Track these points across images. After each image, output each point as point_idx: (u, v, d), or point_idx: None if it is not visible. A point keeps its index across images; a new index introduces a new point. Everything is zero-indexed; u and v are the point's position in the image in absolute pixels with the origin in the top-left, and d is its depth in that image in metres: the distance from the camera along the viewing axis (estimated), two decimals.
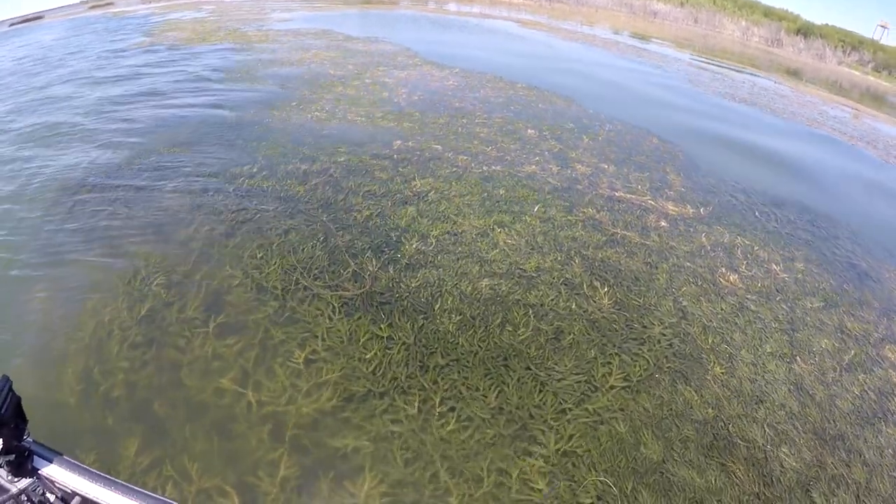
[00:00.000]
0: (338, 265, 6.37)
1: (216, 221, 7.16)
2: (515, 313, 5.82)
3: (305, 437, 4.31)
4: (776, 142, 15.44)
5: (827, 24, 58.11)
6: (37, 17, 40.34)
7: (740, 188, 10.51)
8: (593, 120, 13.61)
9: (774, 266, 7.78)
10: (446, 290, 6.08)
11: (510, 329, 5.58)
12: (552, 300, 6.12)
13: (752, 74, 31.14)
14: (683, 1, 63.76)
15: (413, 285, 6.12)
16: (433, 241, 7.05)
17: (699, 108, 17.90)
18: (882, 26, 61.20)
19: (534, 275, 6.55)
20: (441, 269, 6.44)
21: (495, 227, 7.58)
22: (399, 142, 10.29)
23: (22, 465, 1.75)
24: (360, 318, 5.54)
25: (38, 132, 10.76)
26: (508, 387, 4.90)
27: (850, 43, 54.38)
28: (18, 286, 5.87)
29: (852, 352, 6.32)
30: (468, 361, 5.12)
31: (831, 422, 5.21)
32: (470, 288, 6.14)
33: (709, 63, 31.93)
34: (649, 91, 19.22)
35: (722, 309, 6.55)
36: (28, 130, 10.93)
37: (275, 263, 6.28)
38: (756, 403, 5.24)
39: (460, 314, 5.72)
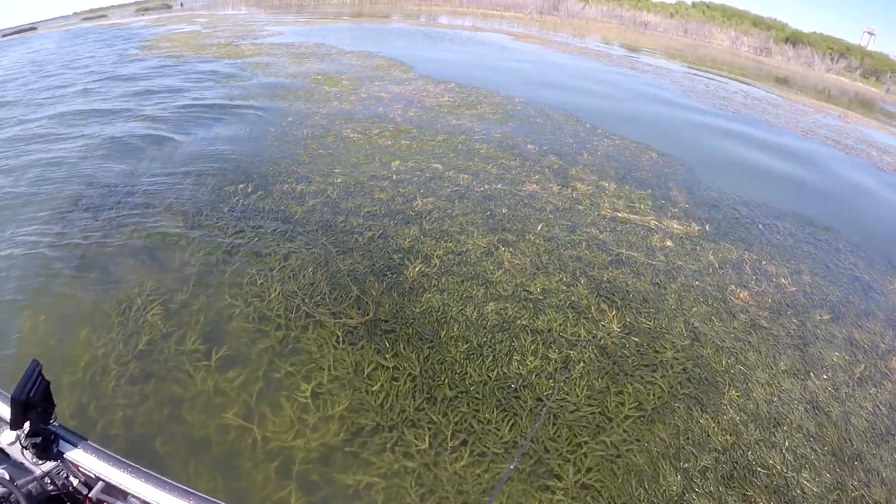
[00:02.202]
0: (340, 290, 6.19)
1: (212, 245, 6.95)
2: (523, 340, 5.66)
3: (314, 472, 4.13)
4: (772, 152, 15.51)
5: (815, 32, 58.86)
6: (30, 29, 40.21)
7: (742, 201, 10.48)
8: (591, 134, 13.57)
9: (783, 280, 7.71)
10: (451, 315, 5.91)
11: (519, 358, 5.41)
12: (560, 325, 5.96)
13: (744, 84, 31.38)
14: (673, 12, 64.45)
15: (417, 311, 5.95)
16: (437, 261, 6.91)
17: (696, 121, 17.97)
18: (869, 32, 62.03)
19: (540, 297, 6.40)
20: (445, 293, 6.27)
21: (499, 245, 7.45)
22: (398, 161, 10.16)
23: (47, 447, 1.78)
24: (364, 346, 5.37)
25: (25, 150, 10.57)
26: (521, 419, 4.73)
27: (837, 50, 55.07)
28: (5, 315, 5.62)
29: (862, 365, 6.26)
30: (478, 393, 4.93)
31: (848, 441, 5.11)
32: (476, 313, 5.98)
33: (701, 74, 32.15)
34: (645, 104, 19.29)
35: (734, 328, 6.44)
36: (15, 149, 10.74)
37: (275, 290, 6.09)
38: (774, 427, 5.11)
39: (467, 342, 5.54)
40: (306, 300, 5.96)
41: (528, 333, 5.77)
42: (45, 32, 37.18)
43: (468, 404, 4.81)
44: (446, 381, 5.04)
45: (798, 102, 28.56)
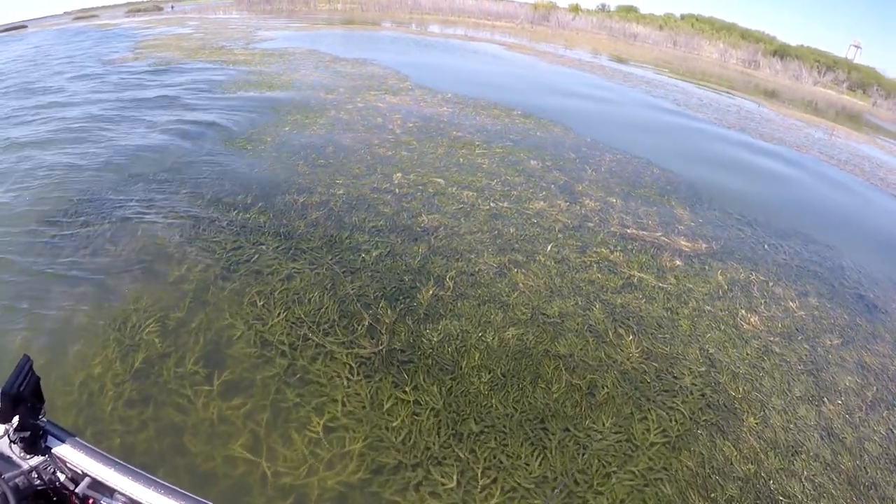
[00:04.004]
0: (350, 317, 5.92)
1: (210, 260, 6.66)
2: (546, 367, 5.50)
3: None
4: (769, 168, 15.66)
5: (802, 46, 59.78)
6: (21, 27, 40.01)
7: (745, 220, 10.47)
8: (592, 149, 13.53)
9: (791, 303, 7.67)
10: (472, 343, 5.72)
11: (543, 386, 5.25)
12: (581, 350, 5.83)
13: (734, 97, 31.73)
14: (662, 24, 65.07)
15: (435, 339, 5.72)
16: (450, 283, 6.71)
17: (692, 136, 18.10)
18: (855, 46, 63.09)
19: (558, 321, 6.26)
20: (463, 319, 6.08)
21: (511, 266, 7.28)
22: (399, 174, 10.00)
23: (35, 442, 1.79)
24: (380, 379, 5.11)
25: (8, 157, 10.22)
26: (550, 452, 4.58)
27: (825, 63, 55.98)
28: None
29: (874, 388, 6.24)
30: (505, 426, 4.76)
31: (863, 469, 5.08)
32: (496, 340, 5.81)
33: (693, 86, 32.42)
34: (642, 117, 19.42)
35: (748, 354, 6.37)
36: None
37: (279, 314, 5.81)
38: (792, 455, 5.06)
39: (489, 371, 5.36)
40: (314, 328, 5.70)
41: (550, 359, 5.63)
42: (35, 31, 36.77)
43: (495, 439, 4.63)
44: (472, 414, 4.85)
45: (790, 117, 28.87)
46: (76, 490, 1.78)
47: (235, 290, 6.17)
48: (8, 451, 1.76)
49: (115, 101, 14.47)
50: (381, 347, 5.52)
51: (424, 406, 4.88)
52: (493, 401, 5.01)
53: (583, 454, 4.60)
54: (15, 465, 1.74)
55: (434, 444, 4.52)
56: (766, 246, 9.42)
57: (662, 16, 67.64)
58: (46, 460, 1.79)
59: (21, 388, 1.70)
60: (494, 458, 4.45)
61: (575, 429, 4.84)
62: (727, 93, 33.60)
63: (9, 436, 1.74)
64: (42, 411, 1.85)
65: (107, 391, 4.64)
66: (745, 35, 62.19)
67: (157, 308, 5.74)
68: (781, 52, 57.88)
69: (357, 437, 4.48)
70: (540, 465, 4.44)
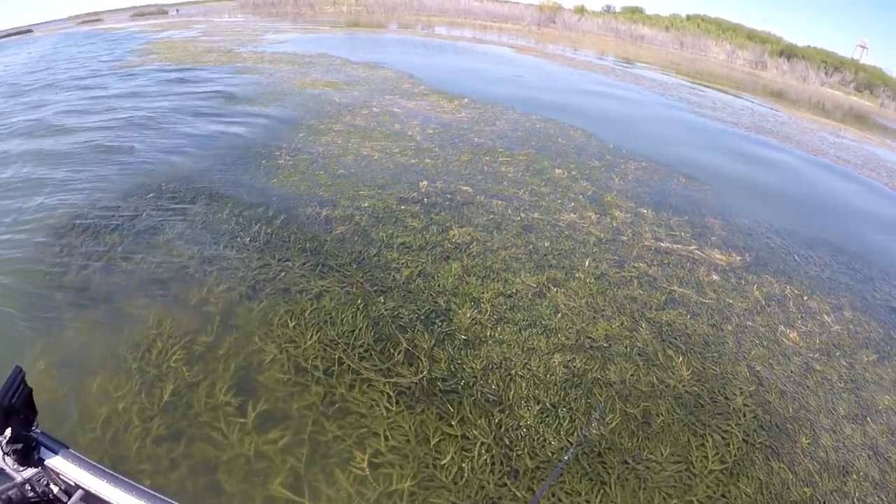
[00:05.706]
0: (386, 341, 5.64)
1: (233, 279, 6.34)
2: (598, 396, 5.30)
3: None
4: (789, 174, 15.56)
5: (809, 46, 59.55)
6: (26, 31, 40.29)
7: (773, 229, 10.34)
8: (616, 156, 13.36)
9: (826, 317, 7.55)
10: (517, 372, 5.46)
11: (597, 417, 5.06)
12: (632, 376, 5.63)
13: (744, 99, 31.58)
14: (668, 25, 64.88)
15: (478, 367, 5.46)
16: (488, 306, 6.47)
17: (711, 140, 17.99)
18: (861, 46, 62.91)
19: (605, 345, 6.05)
20: (505, 345, 5.82)
21: (550, 286, 7.06)
22: (425, 182, 9.80)
23: (28, 454, 1.79)
24: (423, 411, 4.84)
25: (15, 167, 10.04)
26: (610, 487, 4.38)
27: (831, 63, 55.85)
28: (3, 359, 4.95)
29: None
30: (561, 461, 4.54)
31: None
32: (542, 368, 5.56)
33: (703, 89, 32.33)
34: (659, 121, 19.30)
35: (792, 371, 6.25)
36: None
37: (311, 337, 5.54)
38: (844, 476, 4.99)
39: (538, 402, 5.12)
40: (349, 352, 5.42)
41: (601, 387, 5.43)
42: (42, 35, 36.78)
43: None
44: (525, 449, 4.63)
45: (802, 119, 28.77)
46: (69, 502, 1.77)
47: (263, 309, 5.93)
48: (0, 464, 1.77)
49: (121, 107, 14.34)
50: (421, 376, 5.27)
51: (474, 441, 4.64)
52: (546, 434, 4.80)
53: (643, 488, 4.43)
54: (8, 478, 1.74)
55: (489, 482, 4.29)
56: (796, 257, 9.27)
57: (668, 17, 67.48)
58: (39, 472, 1.79)
59: (13, 400, 1.69)
60: (553, 496, 4.25)
61: (633, 461, 4.66)
62: (736, 94, 33.47)
63: (1, 448, 1.74)
64: (35, 423, 1.84)
65: (133, 427, 4.37)
66: (752, 35, 61.99)
67: (181, 332, 5.46)
68: (788, 52, 57.70)
69: (405, 474, 4.24)
70: (601, 501, 4.25)
